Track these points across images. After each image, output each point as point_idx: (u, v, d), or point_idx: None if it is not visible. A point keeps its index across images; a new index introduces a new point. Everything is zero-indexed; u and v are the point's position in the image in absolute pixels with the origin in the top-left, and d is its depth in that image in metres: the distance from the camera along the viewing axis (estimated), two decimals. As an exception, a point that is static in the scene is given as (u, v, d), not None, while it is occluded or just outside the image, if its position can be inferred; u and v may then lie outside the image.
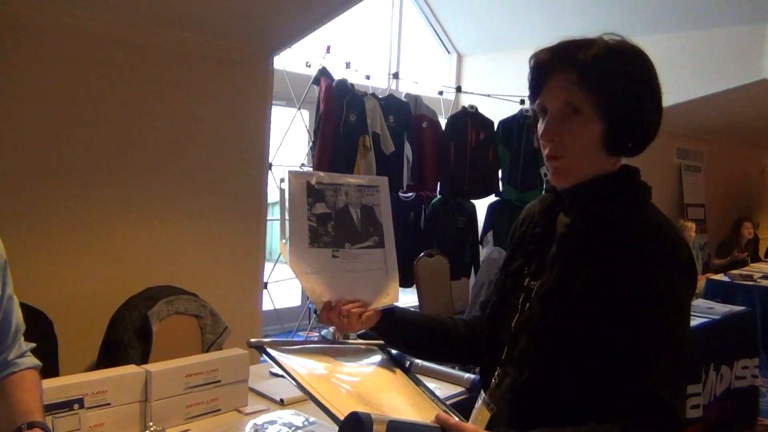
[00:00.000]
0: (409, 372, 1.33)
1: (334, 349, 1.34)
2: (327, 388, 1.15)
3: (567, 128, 1.10)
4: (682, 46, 5.46)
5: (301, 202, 1.28)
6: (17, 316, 1.34)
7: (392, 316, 1.34)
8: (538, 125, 1.16)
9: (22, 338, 1.37)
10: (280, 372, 1.18)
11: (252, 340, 1.22)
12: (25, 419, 1.19)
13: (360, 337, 1.51)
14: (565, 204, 1.20)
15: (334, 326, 1.37)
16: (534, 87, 1.15)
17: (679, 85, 5.49)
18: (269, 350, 1.21)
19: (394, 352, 1.44)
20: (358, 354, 1.34)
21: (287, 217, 1.28)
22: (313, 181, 1.31)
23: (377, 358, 1.34)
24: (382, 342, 1.38)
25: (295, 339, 1.39)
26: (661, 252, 1.06)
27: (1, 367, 1.30)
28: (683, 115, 6.09)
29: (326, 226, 1.30)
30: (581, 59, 1.08)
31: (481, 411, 1.23)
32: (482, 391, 1.26)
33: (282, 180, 1.31)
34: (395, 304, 1.35)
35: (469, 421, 1.21)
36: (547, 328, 1.10)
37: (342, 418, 1.01)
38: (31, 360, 1.36)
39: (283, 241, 1.30)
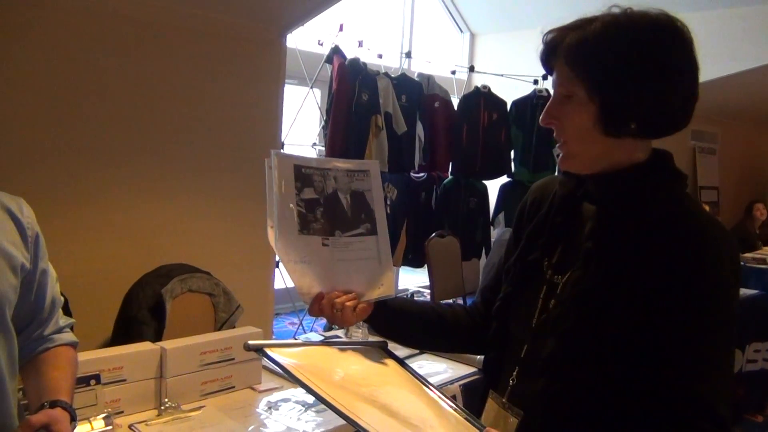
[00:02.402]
0: (414, 372, 1.25)
1: (335, 351, 1.25)
2: (345, 397, 1.06)
3: (562, 112, 1.06)
4: (696, 26, 5.28)
5: (289, 186, 1.21)
6: (53, 291, 1.33)
7: (385, 307, 1.25)
8: None
9: (60, 313, 1.36)
10: (287, 377, 1.10)
11: (250, 342, 1.13)
12: (51, 397, 1.19)
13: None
14: (591, 191, 1.11)
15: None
16: (547, 71, 1.11)
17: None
18: (269, 352, 1.12)
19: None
20: (360, 353, 1.25)
21: (275, 201, 1.20)
22: (301, 164, 1.23)
23: (381, 357, 1.26)
24: (384, 341, 1.30)
25: (294, 340, 1.28)
26: (717, 251, 0.99)
27: (37, 341, 1.29)
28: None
29: (315, 212, 1.22)
30: (567, 42, 1.03)
31: (502, 416, 1.14)
32: (492, 391, 1.19)
33: (269, 161, 1.23)
34: (390, 294, 1.26)
35: (483, 419, 1.16)
36: (584, 332, 1.03)
37: (361, 422, 0.94)
38: (69, 336, 1.35)
39: (271, 226, 1.22)
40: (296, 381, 1.07)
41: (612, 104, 1.01)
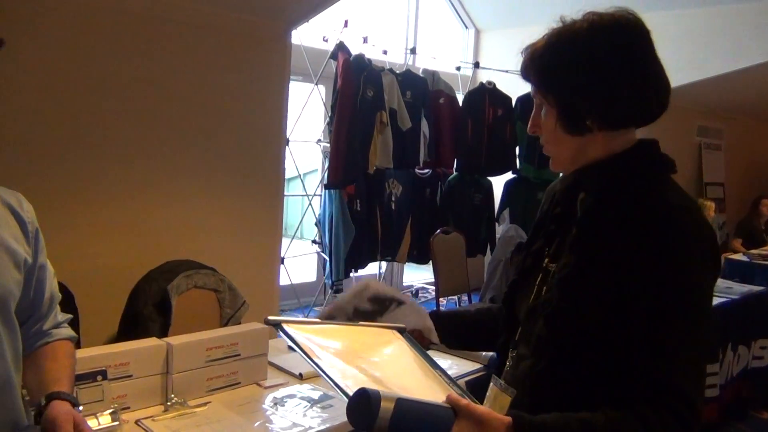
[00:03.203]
0: (427, 355, 1.28)
1: (351, 330, 1.31)
2: (340, 367, 1.13)
3: (539, 120, 1.17)
4: (702, 22, 5.36)
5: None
6: (51, 286, 1.33)
7: (440, 319, 1.38)
8: None
9: (58, 308, 1.37)
10: (295, 348, 1.15)
11: (270, 317, 1.19)
12: (51, 388, 1.20)
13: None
14: (584, 183, 1.17)
15: None
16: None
17: (699, 62, 5.40)
18: (286, 328, 1.18)
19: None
20: (375, 335, 1.31)
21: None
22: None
23: (395, 340, 1.31)
24: (402, 326, 1.35)
25: (311, 318, 1.30)
26: (683, 236, 1.03)
27: (36, 336, 1.30)
28: (703, 92, 5.99)
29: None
30: (524, 59, 1.15)
31: (498, 396, 1.19)
32: (494, 375, 1.24)
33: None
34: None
35: (484, 403, 1.19)
36: (565, 314, 1.08)
37: (351, 394, 0.98)
38: (67, 331, 1.36)
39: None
40: (307, 357, 1.12)
41: (564, 106, 1.11)
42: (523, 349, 1.17)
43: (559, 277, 1.12)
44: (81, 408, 1.23)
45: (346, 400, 0.98)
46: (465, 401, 0.99)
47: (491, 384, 1.23)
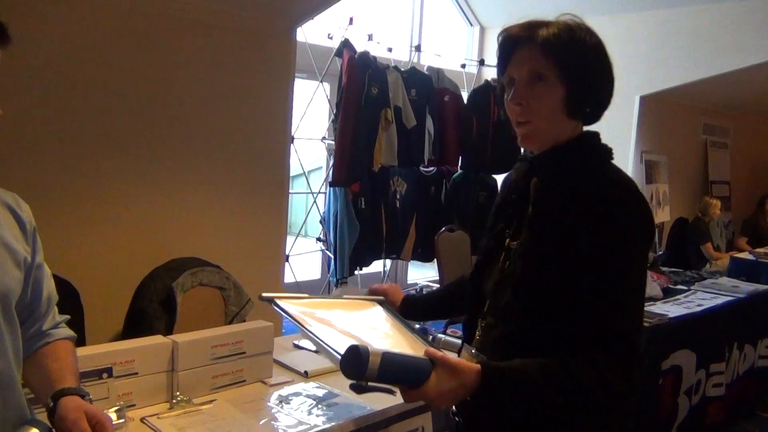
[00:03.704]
0: (404, 321, 1.53)
1: (336, 302, 1.55)
2: (329, 332, 1.33)
3: (533, 93, 1.22)
4: (708, 20, 5.34)
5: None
6: (48, 286, 1.33)
7: (412, 302, 1.66)
8: (505, 96, 1.28)
9: (56, 309, 1.37)
10: (289, 319, 1.38)
11: (264, 294, 1.38)
12: (57, 386, 1.20)
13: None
14: (537, 168, 1.31)
15: None
16: (502, 60, 1.28)
17: (704, 60, 5.37)
18: (279, 303, 1.37)
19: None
20: (357, 306, 1.55)
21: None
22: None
23: (374, 308, 1.57)
24: (382, 298, 1.63)
25: (302, 294, 1.57)
26: (624, 207, 1.20)
27: (35, 337, 1.30)
28: (709, 90, 5.97)
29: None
30: (542, 35, 1.21)
31: (469, 361, 1.26)
32: (465, 344, 1.38)
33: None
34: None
35: None
36: (529, 283, 1.22)
37: (340, 353, 1.14)
38: (66, 331, 1.36)
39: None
40: (298, 325, 1.34)
41: (578, 89, 1.22)
42: (492, 319, 1.31)
43: (521, 251, 1.26)
44: (91, 397, 1.23)
45: (338, 357, 1.15)
46: (440, 353, 1.14)
47: (462, 352, 1.37)
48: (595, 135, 1.30)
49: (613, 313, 1.15)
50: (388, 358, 1.10)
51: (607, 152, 1.30)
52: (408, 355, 1.16)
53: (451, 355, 1.20)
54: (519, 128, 1.26)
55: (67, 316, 1.40)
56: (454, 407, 1.37)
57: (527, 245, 1.25)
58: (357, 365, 1.08)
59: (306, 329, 1.30)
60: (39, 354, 1.29)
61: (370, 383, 1.11)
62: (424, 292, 1.71)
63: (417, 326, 1.62)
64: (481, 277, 1.40)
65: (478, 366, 1.12)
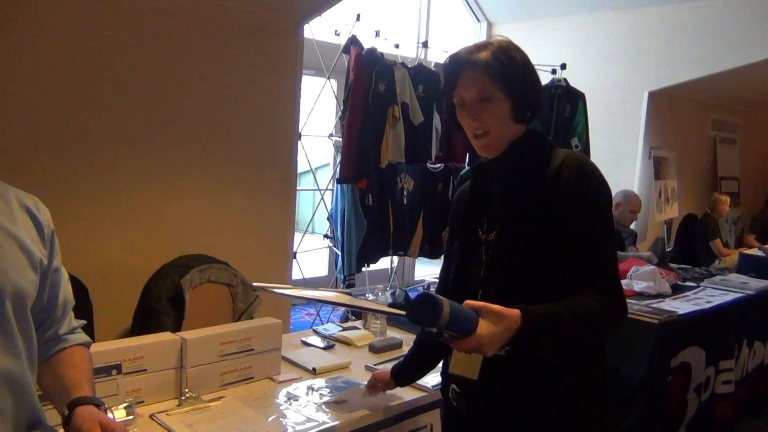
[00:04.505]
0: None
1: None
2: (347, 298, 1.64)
3: (485, 109, 1.43)
4: (715, 14, 5.30)
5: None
6: (65, 290, 1.33)
7: (400, 370, 1.81)
8: (458, 113, 1.48)
9: (72, 314, 1.37)
10: (292, 296, 1.60)
11: (256, 284, 1.59)
12: (73, 394, 1.20)
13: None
14: (494, 170, 1.52)
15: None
16: (450, 82, 1.48)
17: (713, 55, 5.34)
18: (274, 290, 1.61)
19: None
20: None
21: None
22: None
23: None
24: (402, 312, 1.76)
25: (292, 287, 1.79)
26: (597, 174, 1.43)
27: (51, 342, 1.30)
28: (718, 86, 5.93)
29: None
30: (483, 58, 1.42)
31: (468, 355, 1.41)
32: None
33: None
34: None
35: (451, 359, 1.48)
36: (522, 256, 1.41)
37: (394, 305, 1.35)
38: (82, 336, 1.36)
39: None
40: (289, 296, 1.60)
41: (520, 100, 1.44)
42: (488, 299, 1.38)
43: (506, 237, 1.44)
44: (106, 406, 1.23)
45: (401, 307, 1.36)
46: (481, 303, 1.26)
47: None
48: (539, 132, 1.55)
49: (603, 260, 1.40)
50: (454, 306, 1.19)
51: (552, 144, 1.52)
52: (461, 305, 1.23)
53: None
54: (478, 140, 1.47)
55: (84, 321, 1.40)
56: (455, 386, 1.53)
57: (510, 229, 1.44)
58: (433, 312, 1.16)
59: (317, 298, 1.53)
60: (55, 360, 1.29)
61: (437, 330, 1.19)
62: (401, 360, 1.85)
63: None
64: (463, 274, 1.54)
65: (518, 311, 1.26)
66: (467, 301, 1.26)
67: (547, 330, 1.30)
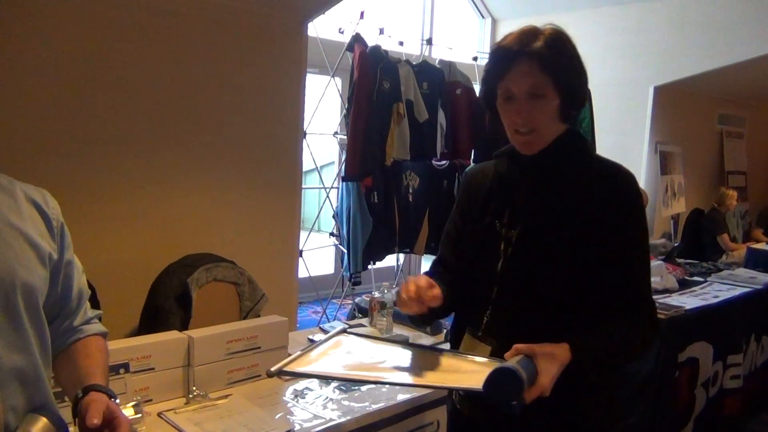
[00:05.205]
0: (414, 345, 1.56)
1: (329, 347, 1.43)
2: (345, 371, 1.32)
3: (535, 107, 1.35)
4: (722, 8, 5.27)
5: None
6: (79, 282, 1.33)
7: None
8: (500, 104, 1.39)
9: (88, 304, 1.37)
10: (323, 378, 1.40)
11: (272, 369, 1.29)
12: (85, 383, 1.20)
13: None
14: (526, 163, 1.43)
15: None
16: (497, 72, 1.38)
17: (719, 49, 5.31)
18: (289, 370, 1.30)
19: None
20: (342, 344, 1.45)
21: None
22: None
23: (395, 345, 1.49)
24: (347, 326, 1.63)
25: (302, 350, 1.41)
26: (635, 188, 1.39)
27: (66, 333, 1.30)
28: (724, 80, 5.91)
29: None
30: (537, 48, 1.33)
31: (478, 346, 1.42)
32: (468, 330, 1.47)
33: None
34: None
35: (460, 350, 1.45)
36: (545, 267, 1.36)
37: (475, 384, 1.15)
38: (97, 327, 1.36)
39: None
40: (319, 378, 1.38)
41: (569, 99, 1.37)
42: (505, 302, 1.41)
43: (529, 238, 1.39)
44: (118, 400, 1.23)
45: (478, 388, 1.15)
46: (526, 346, 1.21)
47: (466, 336, 1.47)
48: (578, 131, 1.48)
49: (640, 280, 1.37)
50: (523, 367, 1.15)
51: (589, 145, 1.49)
52: (516, 359, 1.18)
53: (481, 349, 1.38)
54: (521, 137, 1.39)
55: (100, 312, 1.40)
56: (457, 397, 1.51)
57: (537, 229, 1.39)
58: (516, 387, 1.12)
59: (328, 377, 1.33)
60: (70, 350, 1.29)
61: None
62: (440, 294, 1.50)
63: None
64: (480, 267, 1.47)
65: (566, 344, 1.24)
66: (517, 346, 1.22)
67: (593, 361, 1.30)
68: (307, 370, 1.30)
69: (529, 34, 1.36)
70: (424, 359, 1.37)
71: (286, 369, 1.28)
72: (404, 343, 1.49)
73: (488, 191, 1.52)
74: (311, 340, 2.21)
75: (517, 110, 1.36)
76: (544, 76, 1.32)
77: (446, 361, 1.36)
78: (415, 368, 1.34)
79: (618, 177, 1.39)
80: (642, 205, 1.41)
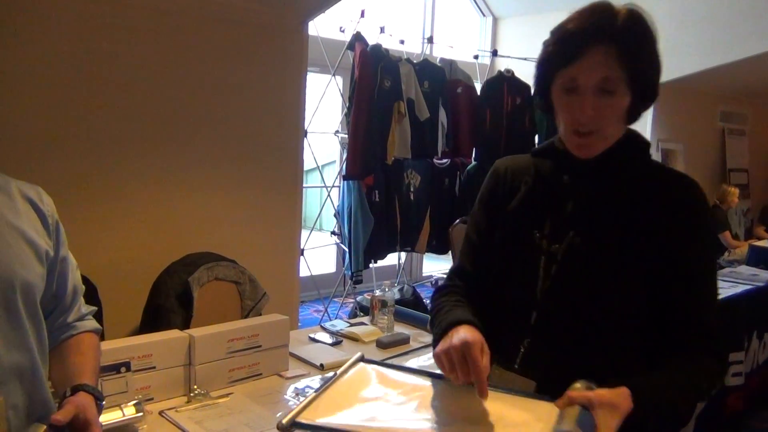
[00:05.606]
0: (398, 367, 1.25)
1: (344, 388, 1.19)
2: (415, 425, 1.06)
3: (605, 104, 1.13)
4: (724, 5, 5.26)
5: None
6: (74, 278, 1.33)
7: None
8: (558, 95, 1.17)
9: (82, 300, 1.37)
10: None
11: (282, 422, 1.06)
12: (75, 381, 1.20)
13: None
14: (578, 166, 1.21)
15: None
16: (567, 57, 1.13)
17: (721, 46, 5.30)
18: (302, 421, 1.08)
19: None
20: (395, 377, 1.21)
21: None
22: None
23: (418, 377, 1.21)
24: (361, 354, 1.30)
25: (314, 393, 1.15)
26: (705, 203, 1.20)
27: (60, 329, 1.31)
28: (727, 77, 5.90)
29: None
30: (617, 33, 1.10)
31: (517, 381, 1.19)
32: (496, 363, 1.21)
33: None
34: None
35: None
36: (600, 291, 1.16)
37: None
38: (91, 323, 1.36)
39: None
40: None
41: (642, 98, 1.16)
42: (548, 331, 1.20)
43: (580, 256, 1.18)
44: (104, 403, 1.23)
45: None
46: (581, 394, 1.02)
47: (496, 369, 1.22)
48: (638, 133, 1.25)
49: (706, 309, 1.18)
50: (584, 428, 1.01)
51: (648, 146, 1.26)
52: (573, 420, 1.03)
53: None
54: (579, 138, 1.16)
55: (94, 308, 1.40)
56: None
57: (592, 246, 1.18)
58: None
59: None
60: (63, 346, 1.29)
61: None
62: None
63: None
64: (513, 285, 1.26)
65: (626, 390, 1.04)
66: (571, 394, 1.03)
67: (656, 411, 1.10)
68: (325, 422, 1.08)
69: (606, 13, 1.12)
70: (458, 399, 1.12)
71: (298, 420, 1.08)
72: (433, 376, 1.19)
73: (526, 194, 1.29)
74: (312, 339, 2.21)
75: (581, 107, 1.13)
76: (619, 69, 1.10)
77: (485, 401, 1.10)
78: (449, 415, 1.09)
79: (684, 187, 1.19)
80: (710, 222, 1.23)
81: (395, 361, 1.97)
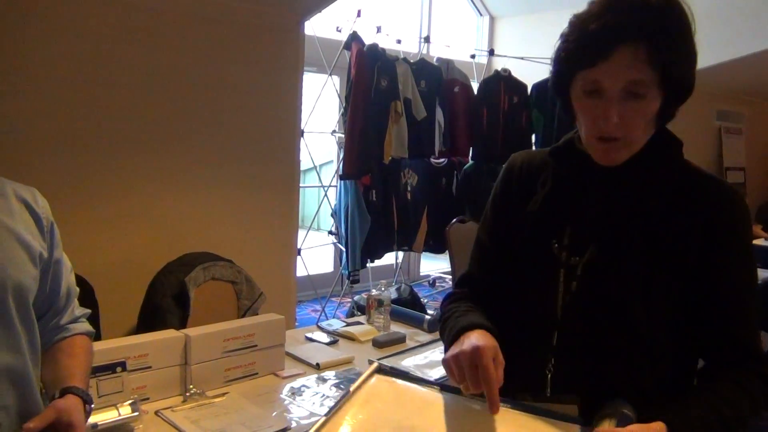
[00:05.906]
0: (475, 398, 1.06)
1: (354, 404, 1.09)
2: None
3: (632, 109, 1.01)
4: (720, 3, 5.27)
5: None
6: (67, 280, 1.34)
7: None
8: (578, 96, 1.05)
9: (76, 303, 1.37)
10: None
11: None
12: (65, 384, 1.20)
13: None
14: (602, 171, 1.09)
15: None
16: (589, 58, 1.00)
17: (718, 44, 5.30)
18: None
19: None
20: (418, 388, 1.11)
21: None
22: None
23: (431, 390, 1.11)
24: (377, 364, 1.18)
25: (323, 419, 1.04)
26: (744, 210, 1.09)
27: (53, 331, 1.31)
28: (723, 75, 5.89)
29: None
30: (648, 27, 0.96)
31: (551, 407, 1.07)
32: (525, 395, 1.11)
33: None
34: None
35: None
36: (629, 307, 1.06)
37: None
38: (84, 326, 1.36)
39: None
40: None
41: (674, 99, 1.05)
42: (572, 352, 1.10)
43: (612, 266, 1.07)
44: (93, 406, 1.22)
45: None
46: (612, 430, 0.93)
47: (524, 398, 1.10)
48: (670, 131, 1.14)
49: (747, 326, 1.07)
50: None
51: (681, 146, 1.14)
52: None
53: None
54: (603, 143, 1.04)
55: (87, 311, 1.40)
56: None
57: (619, 258, 1.07)
58: None
59: None
60: (55, 348, 1.29)
61: None
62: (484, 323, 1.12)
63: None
64: (530, 300, 1.15)
65: (661, 425, 0.94)
66: (603, 431, 0.93)
67: None
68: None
69: (635, 5, 0.98)
70: (482, 423, 1.01)
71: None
72: (444, 389, 1.09)
73: (544, 198, 1.18)
74: (309, 338, 2.21)
75: (605, 113, 1.01)
76: (650, 69, 0.97)
77: (515, 424, 1.01)
78: None
79: (722, 193, 1.09)
80: (752, 231, 1.12)
81: (390, 361, 1.98)
